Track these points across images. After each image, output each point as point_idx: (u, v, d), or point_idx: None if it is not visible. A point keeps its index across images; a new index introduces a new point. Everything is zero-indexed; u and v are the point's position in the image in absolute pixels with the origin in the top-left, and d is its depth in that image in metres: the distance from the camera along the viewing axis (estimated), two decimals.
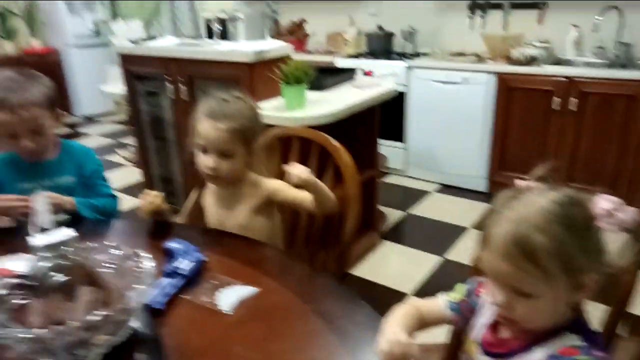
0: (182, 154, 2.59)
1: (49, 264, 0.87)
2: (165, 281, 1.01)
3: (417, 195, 3.22)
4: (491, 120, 2.98)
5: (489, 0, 3.25)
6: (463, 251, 2.51)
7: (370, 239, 2.55)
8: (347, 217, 1.26)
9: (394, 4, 3.73)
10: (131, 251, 0.89)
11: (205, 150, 1.19)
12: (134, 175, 3.26)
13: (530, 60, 2.83)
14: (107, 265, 0.88)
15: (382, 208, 2.86)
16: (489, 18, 3.31)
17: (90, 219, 1.32)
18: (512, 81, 2.85)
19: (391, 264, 2.48)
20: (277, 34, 4.03)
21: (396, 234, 2.75)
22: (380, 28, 3.63)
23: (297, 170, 1.13)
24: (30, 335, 0.68)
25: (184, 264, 1.05)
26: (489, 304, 0.76)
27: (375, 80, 2.68)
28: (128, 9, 5.25)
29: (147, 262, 0.85)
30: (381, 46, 3.57)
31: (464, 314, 0.81)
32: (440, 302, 0.84)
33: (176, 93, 2.40)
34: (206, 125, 1.17)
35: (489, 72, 2.91)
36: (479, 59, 3.06)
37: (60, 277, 0.86)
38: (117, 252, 0.90)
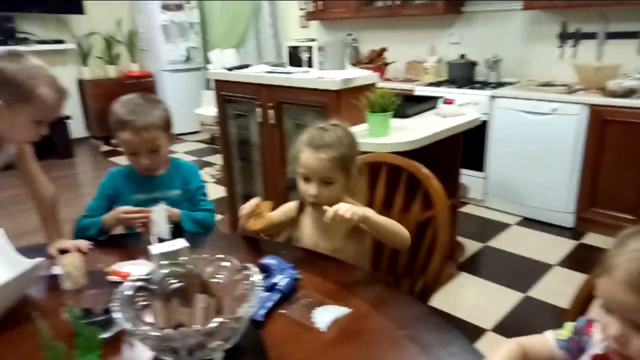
0: (266, 174, 2.71)
1: (166, 271, 0.95)
2: (264, 295, 1.06)
3: (496, 227, 3.11)
4: (581, 154, 2.83)
5: (581, 29, 3.13)
6: (548, 289, 2.38)
7: (447, 269, 2.50)
8: (436, 246, 1.25)
9: (478, 33, 3.70)
10: (240, 264, 0.95)
11: (307, 179, 1.25)
12: (217, 192, 3.45)
13: (629, 92, 2.68)
14: (218, 275, 0.95)
15: (460, 238, 2.79)
16: (581, 48, 3.18)
17: (189, 230, 1.41)
18: (606, 113, 2.71)
19: (468, 297, 2.40)
20: (357, 62, 4.13)
21: (474, 266, 2.66)
22: (463, 56, 3.60)
23: (341, 209, 1.12)
24: (159, 334, 0.75)
25: (281, 280, 1.10)
26: (599, 342, 0.73)
27: (459, 109, 2.66)
28: (217, 37, 5.62)
29: (255, 276, 0.91)
30: (463, 75, 3.54)
31: (574, 354, 0.78)
32: (549, 340, 0.81)
33: (264, 117, 2.53)
34: (308, 155, 1.23)
35: (580, 104, 2.78)
36: (570, 89, 2.94)
37: (177, 284, 0.94)
38: (227, 264, 0.97)
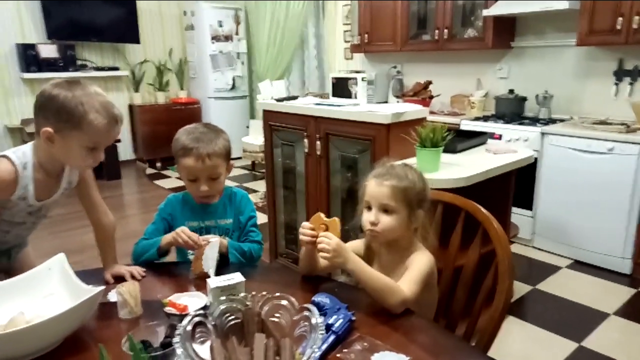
0: (309, 203, 2.70)
1: (224, 306, 0.94)
2: (314, 336, 1.03)
3: (545, 269, 2.97)
4: None
5: (639, 66, 3.02)
6: (604, 340, 2.23)
7: (489, 311, 2.38)
8: (498, 292, 1.19)
9: (528, 67, 3.65)
10: (298, 305, 0.93)
11: (369, 207, 1.26)
12: (259, 219, 3.46)
13: None
14: (277, 315, 0.93)
15: None
16: (639, 85, 3.07)
17: (233, 262, 1.40)
18: None
19: (516, 343, 2.27)
20: (402, 94, 4.13)
21: (522, 310, 2.53)
22: (512, 91, 3.54)
23: (323, 244, 1.14)
24: None
25: (335, 321, 1.06)
26: None
27: (511, 145, 2.59)
28: (263, 68, 5.78)
29: (316, 318, 0.88)
30: (511, 110, 3.47)
31: None
32: None
33: (311, 147, 2.54)
34: (372, 184, 1.26)
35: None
36: (628, 128, 2.83)
37: (234, 320, 0.93)
38: (285, 302, 0.94)
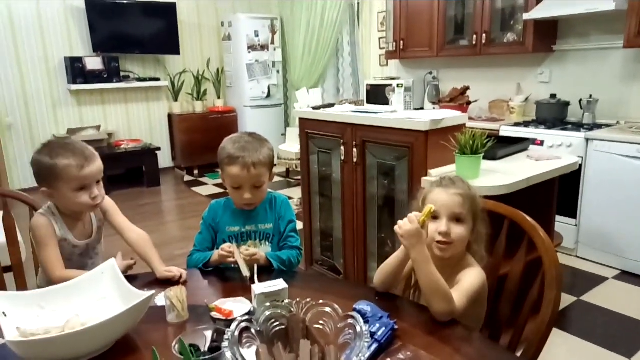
0: (344, 211, 2.71)
1: (269, 312, 0.96)
2: (359, 344, 1.03)
3: (591, 279, 2.86)
4: None
5: None
6: None
7: (533, 324, 2.31)
8: (545, 302, 1.16)
9: (570, 71, 3.54)
10: (342, 312, 0.94)
11: (435, 217, 1.23)
12: None
13: None
14: (321, 322, 0.94)
15: None
16: None
17: (277, 270, 1.42)
18: None
19: (560, 356, 2.19)
20: (438, 100, 4.09)
21: (566, 322, 2.44)
22: (554, 96, 3.44)
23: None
24: None
25: (378, 329, 1.06)
26: None
27: (554, 152, 2.52)
28: (298, 76, 5.85)
29: (360, 325, 0.88)
30: (553, 115, 3.37)
31: None
32: None
33: (347, 155, 2.55)
34: (439, 192, 1.25)
35: None
36: None
37: (279, 326, 0.94)
38: (329, 309, 0.95)
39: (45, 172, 1.33)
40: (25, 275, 1.66)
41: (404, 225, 1.12)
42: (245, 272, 1.30)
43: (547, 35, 3.53)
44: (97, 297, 1.13)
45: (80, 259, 1.46)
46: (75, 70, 5.11)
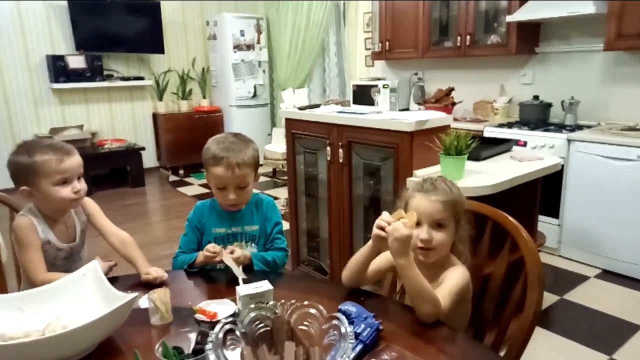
0: (331, 211, 2.71)
1: (254, 314, 0.95)
2: (344, 345, 1.03)
3: (573, 278, 2.91)
4: None
5: None
6: (637, 353, 2.16)
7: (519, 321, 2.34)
8: (527, 302, 1.18)
9: (552, 73, 3.60)
10: (327, 313, 0.94)
11: (418, 223, 1.22)
12: None
13: None
14: (305, 323, 0.94)
15: None
16: None
17: (258, 270, 1.42)
18: None
19: (543, 354, 2.23)
20: (423, 101, 4.12)
21: (548, 320, 2.48)
22: (536, 97, 3.50)
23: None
24: None
25: (363, 330, 1.06)
26: None
27: (536, 153, 2.55)
28: (284, 76, 5.83)
29: (345, 327, 0.89)
30: (536, 116, 3.42)
31: None
32: None
33: (333, 155, 2.55)
34: (420, 198, 1.24)
35: None
36: None
37: (264, 328, 0.94)
38: (314, 311, 0.95)
39: (24, 170, 1.30)
40: (6, 277, 1.63)
41: (398, 230, 1.10)
42: (240, 275, 1.28)
43: (530, 38, 3.58)
44: (79, 300, 1.11)
45: (65, 263, 1.43)
46: (58, 68, 5.03)
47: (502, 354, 1.19)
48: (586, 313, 2.53)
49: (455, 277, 1.21)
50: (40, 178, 1.30)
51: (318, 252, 2.92)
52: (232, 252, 1.36)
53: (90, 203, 1.48)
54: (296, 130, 2.81)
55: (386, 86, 3.90)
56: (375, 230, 1.15)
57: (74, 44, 5.14)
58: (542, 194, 2.43)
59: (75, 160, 1.35)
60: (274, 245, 1.53)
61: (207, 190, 5.03)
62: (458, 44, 3.82)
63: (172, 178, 5.76)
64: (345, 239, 2.64)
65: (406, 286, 1.14)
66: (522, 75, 3.77)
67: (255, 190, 1.54)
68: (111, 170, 5.58)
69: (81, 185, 1.37)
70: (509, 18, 3.39)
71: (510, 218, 1.29)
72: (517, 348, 1.16)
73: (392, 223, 1.12)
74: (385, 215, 1.15)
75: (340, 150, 2.50)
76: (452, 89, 3.91)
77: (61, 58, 5.06)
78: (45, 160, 1.29)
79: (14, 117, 5.07)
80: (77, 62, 5.15)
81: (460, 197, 1.26)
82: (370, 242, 1.21)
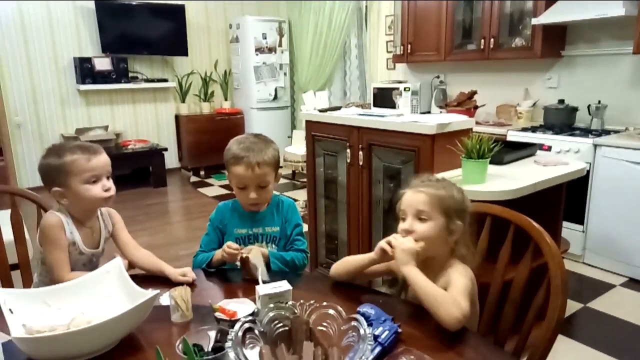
0: (350, 214, 2.71)
1: (273, 313, 0.96)
2: (363, 347, 1.02)
3: (597, 286, 2.83)
4: None
5: None
6: None
7: (538, 330, 2.29)
8: (550, 309, 1.15)
9: (579, 77, 3.52)
10: (346, 315, 0.93)
11: (404, 218, 1.24)
12: None
13: None
14: (324, 324, 0.94)
15: None
16: None
17: (275, 271, 1.41)
18: None
19: None
20: (445, 104, 4.08)
21: (570, 328, 2.42)
22: (561, 101, 3.43)
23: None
24: None
25: (382, 332, 1.06)
26: None
27: (561, 157, 2.50)
28: (305, 79, 5.86)
29: (364, 328, 0.88)
30: (561, 120, 3.36)
31: None
32: None
33: (353, 158, 2.55)
34: (407, 193, 1.25)
35: None
36: None
37: (283, 328, 0.94)
38: (332, 312, 0.95)
39: (55, 171, 1.33)
40: (32, 273, 1.67)
41: (404, 242, 1.15)
42: (264, 277, 1.28)
43: (556, 41, 3.51)
44: (103, 296, 1.14)
45: (83, 269, 1.41)
46: (84, 70, 5.16)
47: None
48: (611, 322, 2.47)
49: (460, 276, 1.18)
50: (71, 177, 1.32)
51: (336, 254, 2.91)
52: (249, 252, 1.36)
53: (117, 215, 1.50)
54: (316, 132, 2.82)
55: (407, 89, 3.88)
56: (381, 244, 1.20)
57: (101, 46, 5.26)
58: (567, 199, 2.38)
59: (103, 158, 1.37)
60: (294, 246, 1.53)
61: (227, 192, 5.08)
62: (482, 47, 3.77)
63: (193, 179, 5.84)
64: (364, 241, 2.63)
65: (419, 294, 1.12)
66: (548, 79, 3.70)
67: (274, 192, 1.55)
68: (134, 170, 5.69)
69: (110, 184, 1.39)
70: (535, 21, 3.33)
71: (534, 223, 1.27)
72: (539, 355, 1.14)
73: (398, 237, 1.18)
74: (396, 235, 1.21)
75: (361, 153, 2.49)
76: (474, 92, 3.87)
77: (88, 60, 5.19)
78: (75, 159, 1.32)
79: (42, 117, 5.22)
80: (103, 64, 5.27)
81: (456, 195, 1.23)
82: (371, 253, 1.24)
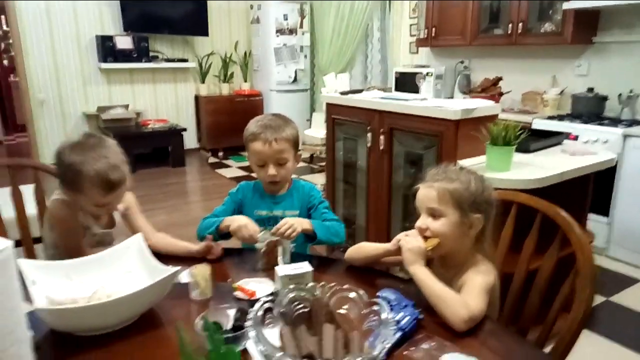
0: (369, 199, 2.68)
1: (293, 294, 0.94)
2: (384, 332, 1.01)
3: (621, 280, 2.77)
4: None
5: None
6: None
7: (563, 321, 2.25)
8: (577, 300, 1.12)
9: (610, 64, 3.39)
10: (368, 299, 0.92)
11: (420, 214, 1.20)
12: None
13: None
14: (345, 307, 0.92)
15: None
16: None
17: (322, 238, 1.39)
18: None
19: (588, 356, 2.13)
20: (469, 90, 3.99)
21: (594, 322, 2.37)
22: (590, 90, 3.32)
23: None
24: None
25: (402, 318, 1.04)
26: None
27: (589, 147, 2.43)
28: (325, 61, 5.78)
29: (386, 313, 0.86)
30: (590, 109, 3.25)
31: None
32: None
33: (374, 142, 2.51)
34: (420, 189, 1.21)
35: None
36: None
37: (303, 309, 0.93)
38: (353, 295, 0.93)
39: (70, 182, 1.27)
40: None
41: (410, 241, 1.14)
42: (287, 261, 1.26)
43: (588, 26, 3.38)
44: (123, 271, 1.14)
45: (97, 247, 1.37)
46: (106, 48, 5.18)
47: (546, 352, 1.14)
48: (634, 317, 2.41)
49: (476, 275, 1.14)
50: (82, 197, 1.28)
51: (354, 239, 2.89)
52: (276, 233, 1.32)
53: (131, 198, 1.45)
54: (337, 115, 2.78)
55: (430, 74, 3.80)
56: (397, 237, 1.19)
57: (122, 24, 5.27)
58: (593, 190, 2.31)
59: (118, 193, 1.30)
60: (326, 218, 1.49)
61: (245, 173, 5.09)
62: (509, 32, 3.66)
63: (212, 160, 5.86)
64: (383, 227, 2.61)
65: (425, 294, 1.09)
66: (577, 66, 3.58)
67: (294, 176, 1.53)
68: (154, 150, 5.74)
69: (116, 207, 1.36)
70: (566, 5, 3.21)
71: (563, 212, 1.23)
72: (564, 346, 1.11)
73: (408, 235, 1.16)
74: (410, 232, 1.19)
75: (382, 137, 2.45)
76: (499, 79, 3.77)
77: (110, 38, 5.20)
78: (91, 190, 1.25)
79: (64, 95, 5.27)
80: (124, 42, 5.28)
81: (472, 186, 1.16)
82: (388, 244, 1.22)
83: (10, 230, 1.64)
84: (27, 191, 1.68)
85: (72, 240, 1.32)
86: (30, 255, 1.65)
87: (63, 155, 1.26)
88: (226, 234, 1.41)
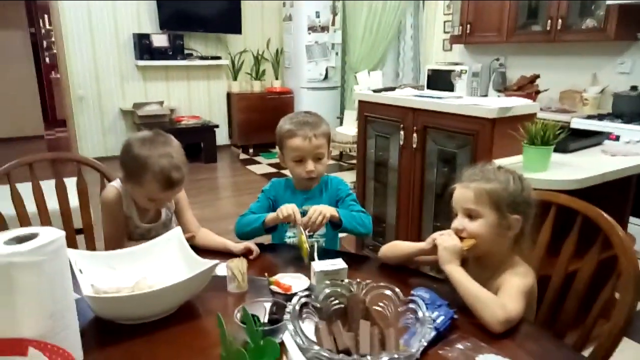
0: (400, 198, 2.66)
1: (329, 290, 0.96)
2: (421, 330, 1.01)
3: None
4: None
5: None
6: None
7: (602, 326, 2.18)
8: (619, 305, 1.09)
9: None
10: (403, 296, 0.92)
11: (456, 214, 1.19)
12: None
13: None
14: (380, 304, 0.93)
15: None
16: None
17: (348, 227, 1.38)
18: None
19: None
20: (504, 88, 3.91)
21: (632, 329, 2.29)
22: (634, 88, 3.20)
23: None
24: (334, 357, 0.74)
25: (437, 317, 1.03)
26: None
27: (632, 148, 2.34)
28: (357, 58, 5.77)
29: (421, 310, 0.87)
30: (632, 109, 3.13)
31: None
32: None
33: (407, 140, 2.50)
34: (457, 188, 1.20)
35: None
36: None
37: (339, 305, 0.94)
38: (389, 293, 0.94)
39: (131, 173, 1.33)
40: (95, 238, 1.76)
41: (446, 240, 1.13)
42: (315, 258, 1.27)
43: (633, 22, 3.25)
44: (164, 263, 1.17)
45: (140, 239, 1.44)
46: (143, 46, 5.31)
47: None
48: None
49: (514, 277, 1.12)
50: (139, 189, 1.34)
51: (384, 237, 2.88)
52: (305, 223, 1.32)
53: (182, 193, 1.50)
54: (369, 113, 2.77)
55: (465, 71, 3.75)
56: (433, 236, 1.18)
57: (159, 22, 5.39)
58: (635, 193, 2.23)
59: (175, 192, 1.38)
60: (353, 210, 1.49)
61: (275, 170, 5.14)
62: (548, 28, 3.56)
63: (242, 156, 5.94)
64: (414, 226, 2.59)
65: (461, 294, 1.08)
66: (620, 64, 3.45)
67: None
68: (186, 146, 5.80)
69: (167, 204, 1.43)
70: (610, 0, 3.10)
71: (605, 214, 1.19)
72: (604, 351, 1.08)
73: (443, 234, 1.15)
74: (445, 231, 1.18)
75: (415, 135, 2.43)
76: (537, 76, 3.68)
77: (146, 36, 5.33)
78: (152, 183, 1.31)
79: (103, 90, 5.44)
80: (160, 40, 5.40)
81: (511, 186, 1.14)
82: (422, 243, 1.22)
83: (54, 222, 1.71)
84: (70, 184, 1.74)
85: (112, 228, 1.39)
86: (73, 245, 1.72)
87: (132, 146, 1.32)
88: (270, 228, 1.43)
